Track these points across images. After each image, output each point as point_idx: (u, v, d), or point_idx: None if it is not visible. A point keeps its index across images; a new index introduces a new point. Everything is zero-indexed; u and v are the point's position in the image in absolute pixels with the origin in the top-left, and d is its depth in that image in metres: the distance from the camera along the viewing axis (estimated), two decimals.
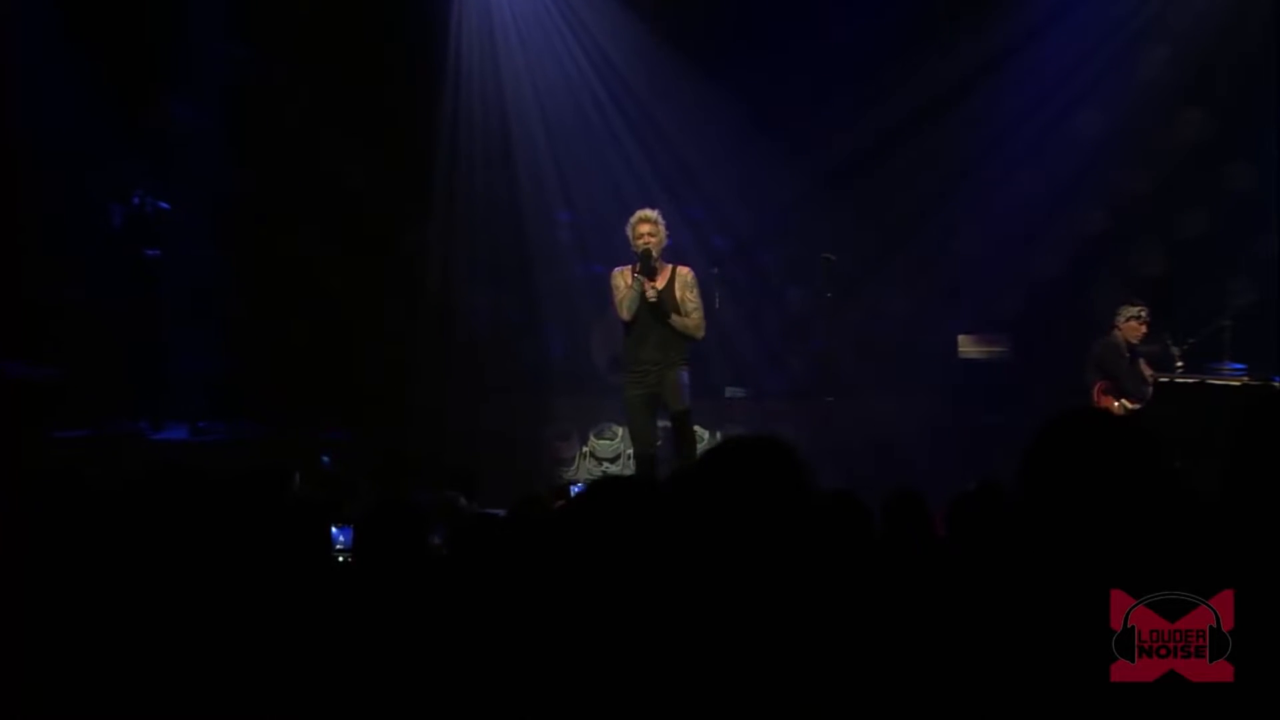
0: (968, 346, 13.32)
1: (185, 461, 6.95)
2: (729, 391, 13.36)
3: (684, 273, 9.64)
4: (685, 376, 9.56)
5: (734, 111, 13.34)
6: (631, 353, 9.61)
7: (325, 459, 10.97)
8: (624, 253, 9.77)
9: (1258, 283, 12.25)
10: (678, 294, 9.52)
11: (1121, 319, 11.27)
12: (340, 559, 5.69)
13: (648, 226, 9.48)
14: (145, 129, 12.30)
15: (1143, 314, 11.23)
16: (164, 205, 11.94)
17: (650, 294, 9.41)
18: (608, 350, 13.00)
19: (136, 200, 11.79)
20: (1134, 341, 11.26)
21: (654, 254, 9.45)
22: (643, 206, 9.83)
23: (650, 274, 9.45)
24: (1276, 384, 10.87)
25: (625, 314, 9.50)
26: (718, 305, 11.32)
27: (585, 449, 12.94)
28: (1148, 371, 11.29)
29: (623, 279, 9.58)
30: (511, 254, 13.48)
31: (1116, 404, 11.04)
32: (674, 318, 9.47)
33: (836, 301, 11.71)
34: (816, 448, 11.03)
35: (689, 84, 13.34)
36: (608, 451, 12.76)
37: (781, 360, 13.82)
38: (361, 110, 12.75)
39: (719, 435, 12.02)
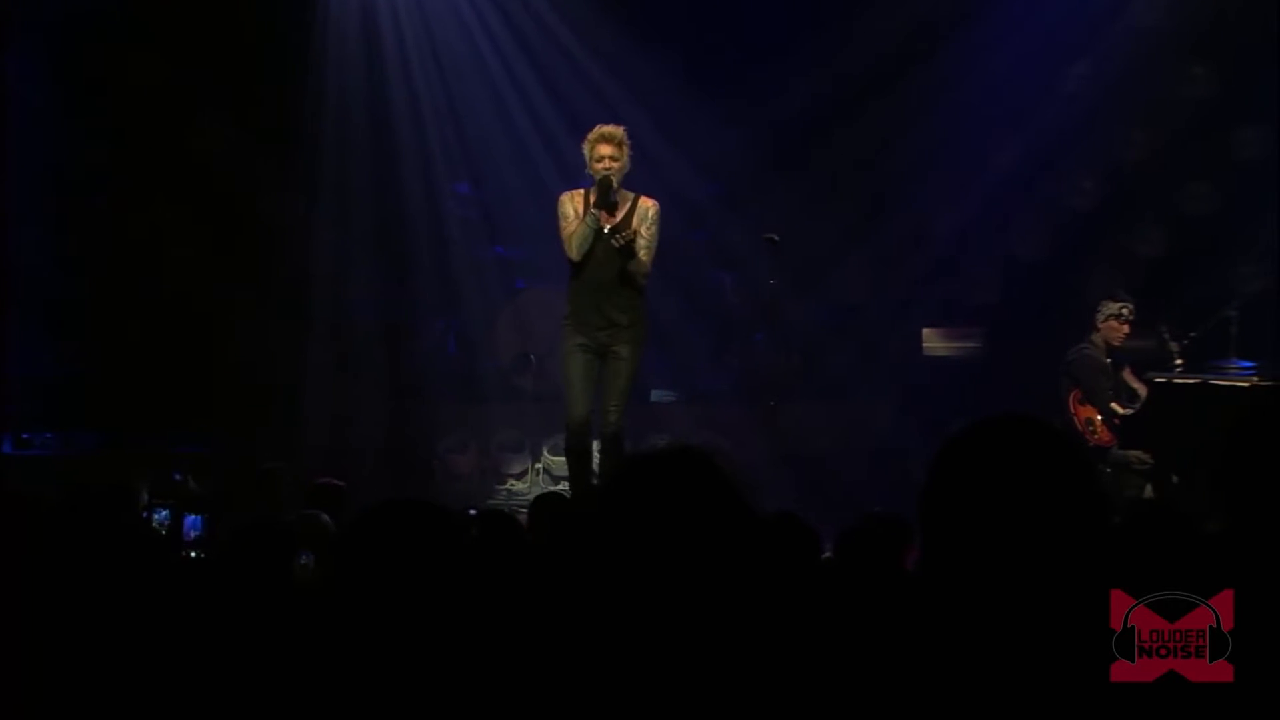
0: (934, 342, 13.44)
1: (6, 480, 6.90)
2: (656, 395, 13.40)
3: (647, 204, 9.32)
4: (638, 356, 9.39)
5: (664, 65, 13.27)
6: (578, 306, 9.31)
7: (177, 475, 10.94)
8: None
9: (1269, 267, 12.19)
10: (635, 227, 9.15)
11: (1100, 317, 11.11)
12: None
13: (609, 148, 9.14)
14: None
15: (1125, 311, 11.04)
16: None
17: (606, 227, 9.09)
18: (514, 346, 12.99)
19: None
20: (1116, 344, 11.13)
21: (614, 183, 9.15)
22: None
23: (609, 207, 9.15)
24: None
25: (574, 253, 9.18)
26: None
27: (538, 465, 12.93)
28: (1136, 384, 11.14)
29: (572, 205, 9.28)
30: (398, 233, 13.43)
31: (1099, 412, 10.95)
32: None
33: (781, 290, 11.61)
34: (756, 459, 11.04)
35: (610, 33, 13.28)
36: (564, 469, 12.65)
37: (717, 358, 13.91)
38: (221, 63, 12.64)
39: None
